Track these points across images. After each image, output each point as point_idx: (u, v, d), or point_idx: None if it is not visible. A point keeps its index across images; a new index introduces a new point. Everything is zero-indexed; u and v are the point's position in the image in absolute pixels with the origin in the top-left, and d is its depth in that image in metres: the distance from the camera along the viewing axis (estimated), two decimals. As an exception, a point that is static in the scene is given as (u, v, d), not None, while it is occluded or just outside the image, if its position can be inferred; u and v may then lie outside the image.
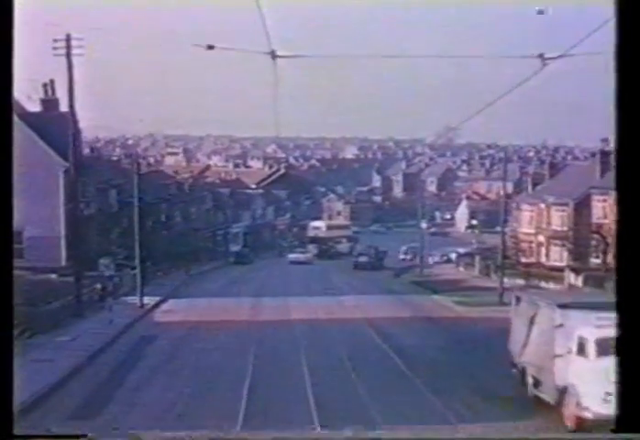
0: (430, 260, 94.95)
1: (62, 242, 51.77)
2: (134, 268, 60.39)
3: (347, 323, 40.37)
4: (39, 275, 43.93)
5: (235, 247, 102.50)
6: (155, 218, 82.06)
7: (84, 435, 10.14)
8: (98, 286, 43.41)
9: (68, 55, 40.38)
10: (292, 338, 34.83)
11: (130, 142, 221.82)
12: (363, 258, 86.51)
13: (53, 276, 47.49)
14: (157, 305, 48.46)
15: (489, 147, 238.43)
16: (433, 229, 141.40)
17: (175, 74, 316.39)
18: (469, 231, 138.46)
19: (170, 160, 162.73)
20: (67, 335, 34.79)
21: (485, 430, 19.09)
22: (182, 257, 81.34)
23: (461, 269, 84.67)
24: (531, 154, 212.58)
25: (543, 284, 58.94)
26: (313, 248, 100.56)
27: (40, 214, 50.22)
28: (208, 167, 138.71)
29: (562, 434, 19.09)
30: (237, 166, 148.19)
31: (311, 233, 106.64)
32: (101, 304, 41.75)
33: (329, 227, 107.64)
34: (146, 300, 49.53)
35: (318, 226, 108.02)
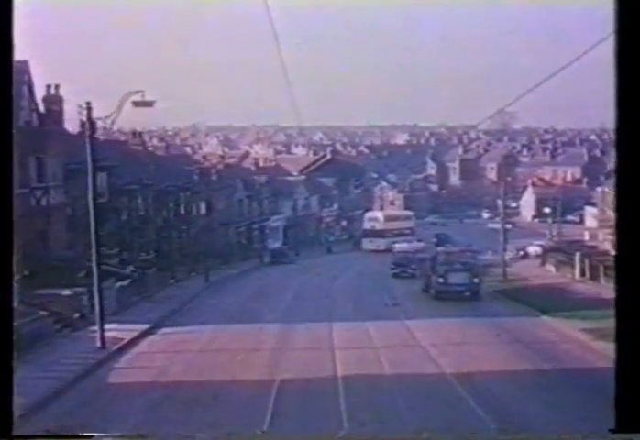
0: (505, 256, 78.23)
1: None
2: (124, 277, 43.42)
3: (428, 383, 22.75)
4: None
5: (273, 244, 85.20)
6: (171, 210, 65.09)
7: (84, 436, 11.26)
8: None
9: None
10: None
11: (170, 133, 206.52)
12: (458, 278, 44.98)
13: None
14: (131, 343, 31.08)
15: (546, 131, 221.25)
16: (497, 219, 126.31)
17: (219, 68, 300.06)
18: (536, 221, 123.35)
19: (207, 149, 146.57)
20: None
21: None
22: (206, 257, 64.59)
23: (550, 267, 66.69)
24: (593, 137, 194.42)
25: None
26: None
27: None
28: (247, 154, 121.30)
29: (562, 435, 15.29)
30: (278, 153, 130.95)
31: (367, 225, 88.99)
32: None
33: (388, 218, 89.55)
34: (125, 330, 32.68)
35: (375, 218, 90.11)
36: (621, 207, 9.89)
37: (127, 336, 31.76)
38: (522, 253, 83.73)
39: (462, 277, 44.87)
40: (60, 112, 48.41)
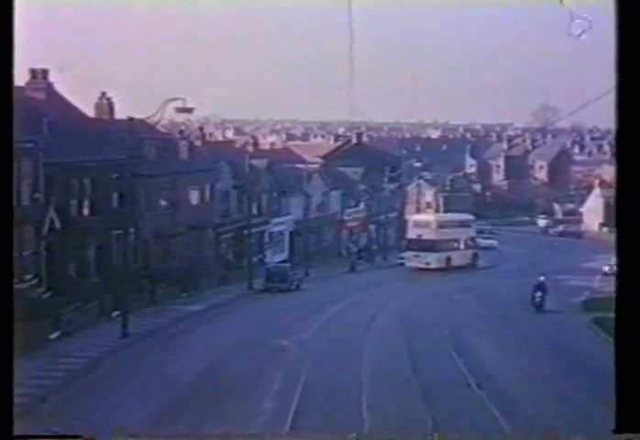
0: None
1: None
2: None
3: None
4: None
5: (274, 258, 56.86)
6: (87, 201, 36.73)
7: (83, 436, 11.03)
8: None
9: None
10: None
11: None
12: None
13: None
14: None
15: (590, 131, 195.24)
16: (560, 228, 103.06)
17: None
18: (605, 230, 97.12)
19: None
20: None
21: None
22: (155, 282, 37.07)
23: None
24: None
25: None
26: None
27: None
28: (253, 139, 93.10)
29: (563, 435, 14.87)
30: (291, 139, 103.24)
31: (411, 233, 59.68)
32: None
33: (441, 224, 60.32)
34: None
35: (425, 222, 60.51)
36: (621, 207, 9.86)
37: None
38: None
39: None
40: None
